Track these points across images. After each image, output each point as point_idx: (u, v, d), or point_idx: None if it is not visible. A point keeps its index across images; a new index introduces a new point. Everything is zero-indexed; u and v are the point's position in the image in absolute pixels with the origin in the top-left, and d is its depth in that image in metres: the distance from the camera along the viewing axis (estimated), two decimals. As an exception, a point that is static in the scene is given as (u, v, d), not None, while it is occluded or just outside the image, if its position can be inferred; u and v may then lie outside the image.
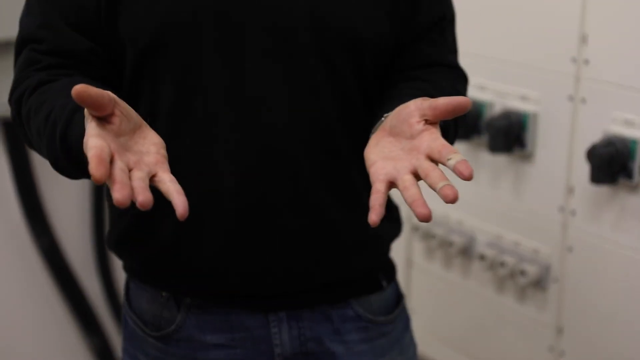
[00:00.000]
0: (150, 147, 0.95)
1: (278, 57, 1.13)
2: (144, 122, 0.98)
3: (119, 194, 0.87)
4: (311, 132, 1.16)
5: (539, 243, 1.83)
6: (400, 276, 1.92)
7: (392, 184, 0.97)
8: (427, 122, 1.00)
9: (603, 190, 1.68)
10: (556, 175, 1.77)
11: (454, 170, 0.92)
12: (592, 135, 1.66)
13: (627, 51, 1.61)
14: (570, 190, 1.75)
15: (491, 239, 1.93)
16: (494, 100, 1.85)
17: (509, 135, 1.79)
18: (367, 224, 1.23)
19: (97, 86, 0.92)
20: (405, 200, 0.94)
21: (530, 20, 1.78)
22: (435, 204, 1.95)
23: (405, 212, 1.33)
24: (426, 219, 0.91)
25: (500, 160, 1.88)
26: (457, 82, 1.25)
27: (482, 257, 1.93)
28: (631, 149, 1.59)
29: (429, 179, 0.94)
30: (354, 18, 1.15)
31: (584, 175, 1.68)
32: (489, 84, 1.85)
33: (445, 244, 2.01)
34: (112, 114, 0.93)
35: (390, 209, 1.30)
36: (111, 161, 0.89)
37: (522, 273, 1.84)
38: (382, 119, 1.07)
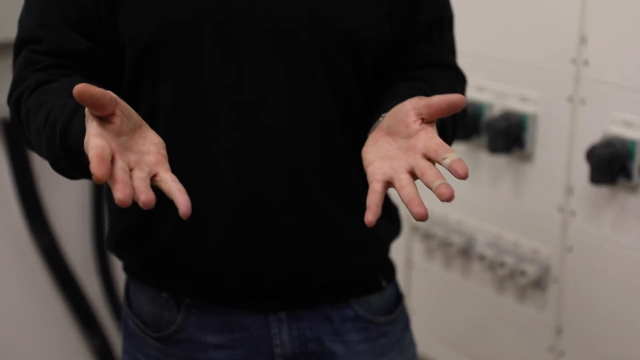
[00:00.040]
0: (150, 147, 0.95)
1: (278, 57, 1.13)
2: (144, 122, 0.98)
3: (120, 194, 0.87)
4: (311, 132, 1.16)
5: (538, 243, 1.83)
6: (400, 276, 1.92)
7: (389, 184, 0.98)
8: (424, 121, 1.00)
9: (602, 190, 1.68)
10: (556, 176, 1.77)
11: (449, 169, 0.92)
12: (592, 136, 1.66)
13: (626, 52, 1.61)
14: (569, 191, 1.75)
15: (491, 239, 1.93)
16: (494, 101, 1.85)
17: (509, 135, 1.79)
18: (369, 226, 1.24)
19: (97, 86, 0.92)
20: (402, 200, 0.94)
21: (530, 20, 1.78)
22: (435, 204, 1.95)
23: (404, 212, 1.33)
24: (422, 218, 0.91)
25: (500, 160, 1.88)
26: (455, 82, 1.25)
27: (481, 257, 1.93)
28: (630, 149, 1.59)
29: (425, 178, 0.94)
30: (354, 18, 1.15)
31: (584, 175, 1.68)
32: (489, 84, 1.85)
33: (445, 244, 2.01)
34: (112, 114, 0.93)
35: (390, 209, 1.30)
36: (112, 161, 0.89)
37: (522, 273, 1.84)
38: (380, 118, 1.07)
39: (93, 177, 0.86)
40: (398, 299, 1.33)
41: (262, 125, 1.14)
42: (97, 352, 2.29)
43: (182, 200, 0.89)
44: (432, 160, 0.96)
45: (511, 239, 1.89)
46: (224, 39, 1.11)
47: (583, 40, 1.67)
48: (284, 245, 1.19)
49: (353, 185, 1.20)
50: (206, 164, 1.15)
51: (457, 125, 1.21)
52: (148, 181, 0.91)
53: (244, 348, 1.24)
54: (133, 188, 0.88)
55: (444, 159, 0.94)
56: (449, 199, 0.90)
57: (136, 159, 0.93)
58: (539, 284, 1.84)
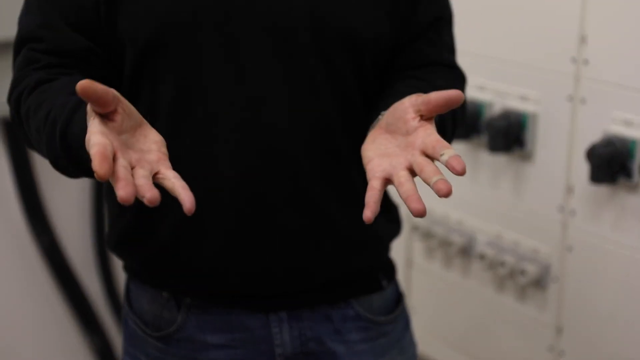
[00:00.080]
0: (151, 145, 0.95)
1: (278, 57, 1.13)
2: (145, 121, 0.98)
3: (123, 192, 0.87)
4: (311, 132, 1.16)
5: (538, 243, 1.83)
6: (400, 276, 1.92)
7: (388, 181, 0.98)
8: (423, 118, 1.00)
9: (603, 190, 1.68)
10: (556, 175, 1.77)
11: (447, 165, 0.92)
12: (592, 135, 1.66)
13: (626, 51, 1.61)
14: (569, 190, 1.75)
15: (491, 238, 1.93)
16: (494, 100, 1.85)
17: (509, 135, 1.79)
18: (367, 224, 1.24)
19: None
20: (400, 196, 0.94)
21: (530, 20, 1.78)
22: (435, 204, 1.94)
23: (404, 211, 1.33)
24: (420, 214, 0.91)
25: (500, 160, 1.88)
26: (455, 81, 1.25)
27: (482, 257, 1.93)
28: (630, 148, 1.59)
29: (423, 174, 0.94)
30: (354, 18, 1.15)
31: (584, 175, 1.68)
32: (489, 83, 1.85)
33: (445, 244, 2.01)
34: (114, 111, 0.93)
35: (390, 208, 1.30)
36: (113, 159, 0.89)
37: (522, 273, 1.84)
38: (379, 116, 1.07)
39: (95, 174, 0.86)
40: (398, 298, 1.34)
41: (262, 125, 1.14)
42: (98, 352, 2.29)
43: (186, 196, 0.89)
44: (430, 157, 0.96)
45: (511, 239, 1.89)
46: (224, 39, 1.11)
47: (583, 39, 1.67)
48: (284, 245, 1.19)
49: (353, 184, 1.20)
50: (206, 163, 1.15)
51: (457, 123, 1.21)
52: (150, 179, 0.91)
53: (244, 348, 1.24)
54: (135, 186, 0.88)
55: (441, 155, 0.94)
56: (446, 194, 0.90)
57: (137, 157, 0.93)
58: (539, 283, 1.84)
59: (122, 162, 0.89)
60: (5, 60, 1.33)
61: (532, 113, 1.78)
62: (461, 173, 0.91)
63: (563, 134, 1.74)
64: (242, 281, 1.21)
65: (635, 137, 1.59)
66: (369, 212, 0.94)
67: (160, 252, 1.21)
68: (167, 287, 1.24)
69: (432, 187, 0.92)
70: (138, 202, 1.19)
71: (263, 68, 1.13)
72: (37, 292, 2.21)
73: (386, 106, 1.07)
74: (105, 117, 0.93)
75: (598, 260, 1.73)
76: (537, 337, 1.88)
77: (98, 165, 0.86)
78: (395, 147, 1.01)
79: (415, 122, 1.00)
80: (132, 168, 0.91)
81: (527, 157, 1.82)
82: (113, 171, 0.88)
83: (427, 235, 2.05)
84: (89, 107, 0.93)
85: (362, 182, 1.06)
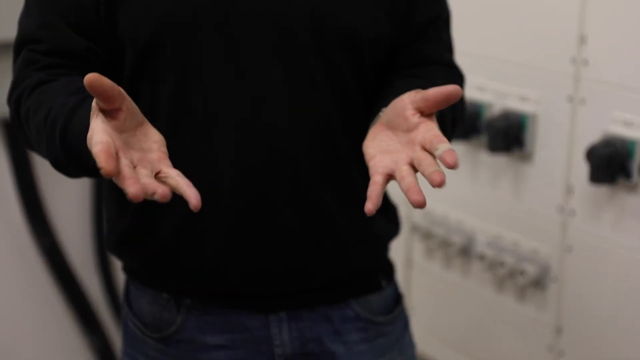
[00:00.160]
0: (152, 145, 0.95)
1: (278, 57, 1.13)
2: (146, 120, 0.98)
3: (133, 189, 0.87)
4: (311, 132, 1.16)
5: (538, 243, 1.83)
6: (400, 276, 1.92)
7: (390, 177, 0.99)
8: (423, 114, 1.01)
9: (602, 190, 1.68)
10: (555, 175, 1.77)
11: (440, 158, 0.93)
12: (592, 136, 1.66)
13: (626, 51, 1.62)
14: (569, 190, 1.75)
15: (491, 238, 1.93)
16: (494, 101, 1.85)
17: (509, 135, 1.80)
18: (367, 224, 1.24)
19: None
20: (402, 189, 0.95)
21: (530, 20, 1.78)
22: (436, 204, 1.94)
23: (404, 212, 1.34)
24: (420, 205, 0.92)
25: (500, 160, 1.88)
26: (454, 80, 1.25)
27: (481, 257, 1.93)
28: (630, 149, 1.59)
29: (421, 167, 0.95)
30: (353, 18, 1.15)
31: (583, 175, 1.68)
32: (489, 84, 1.85)
33: (445, 244, 2.01)
34: (118, 109, 0.93)
35: (389, 208, 1.30)
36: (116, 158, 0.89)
37: (522, 273, 1.84)
38: (380, 113, 1.08)
39: (102, 171, 0.86)
40: (397, 298, 1.34)
41: (262, 125, 1.14)
42: (98, 352, 2.29)
43: (191, 193, 0.90)
44: (429, 152, 0.97)
45: (511, 239, 1.89)
46: (224, 39, 1.12)
47: (583, 40, 1.67)
48: (284, 245, 1.19)
49: (353, 184, 1.20)
50: (206, 163, 1.15)
51: (457, 119, 1.21)
52: (153, 178, 0.91)
53: (244, 348, 1.24)
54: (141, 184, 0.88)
55: (436, 149, 0.95)
56: (439, 184, 0.91)
57: (139, 157, 0.93)
58: (539, 283, 1.84)
59: (125, 162, 0.90)
60: (5, 61, 1.33)
61: (532, 113, 1.78)
62: (453, 166, 0.92)
63: (563, 134, 1.74)
64: (242, 281, 1.21)
65: (634, 137, 1.59)
66: (371, 204, 0.94)
67: (161, 252, 1.21)
68: (167, 287, 1.24)
69: (427, 178, 0.93)
70: (138, 202, 1.19)
71: (263, 68, 1.13)
72: (37, 292, 2.21)
73: (387, 103, 1.07)
74: (109, 114, 0.93)
75: (598, 261, 1.73)
76: (537, 337, 1.88)
77: (104, 162, 0.86)
78: (397, 144, 1.02)
79: (415, 118, 1.01)
80: (134, 167, 0.91)
81: (526, 157, 1.82)
82: (118, 170, 0.88)
83: (427, 235, 2.05)
84: (93, 103, 0.93)
85: (362, 182, 1.06)
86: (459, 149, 1.93)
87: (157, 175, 0.92)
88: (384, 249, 1.31)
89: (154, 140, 0.96)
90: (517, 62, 1.81)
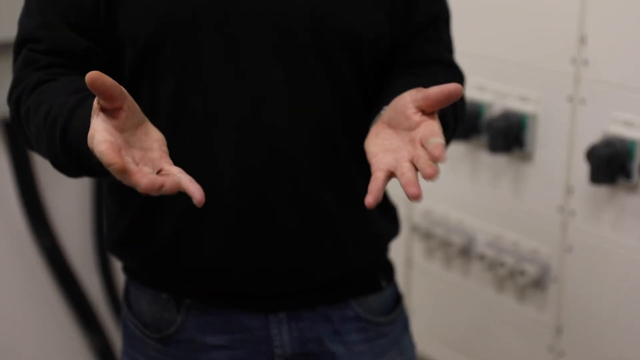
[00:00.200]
0: (152, 144, 0.95)
1: (278, 57, 1.13)
2: (147, 119, 0.98)
3: (144, 180, 0.87)
4: (311, 132, 1.16)
5: (538, 243, 1.83)
6: (400, 276, 1.92)
7: (391, 174, 0.99)
8: (425, 113, 1.01)
9: (602, 190, 1.68)
10: (556, 176, 1.77)
11: (429, 152, 0.94)
12: (592, 136, 1.66)
13: (626, 51, 1.62)
14: (569, 191, 1.75)
15: (491, 239, 1.93)
16: (494, 101, 1.85)
17: (509, 135, 1.80)
18: (367, 224, 1.24)
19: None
20: (401, 184, 0.95)
21: (530, 20, 1.78)
22: (436, 204, 1.95)
23: (404, 212, 1.34)
24: (415, 197, 0.93)
25: (500, 160, 1.88)
26: (454, 79, 1.25)
27: (481, 257, 1.93)
28: (630, 149, 1.59)
29: (419, 164, 0.96)
30: (353, 18, 1.15)
31: (583, 175, 1.68)
32: (489, 84, 1.85)
33: (445, 244, 2.01)
34: (119, 108, 0.93)
35: (389, 208, 1.30)
36: None
37: (522, 273, 1.84)
38: (381, 111, 1.08)
39: (113, 167, 0.86)
40: (397, 299, 1.34)
41: (262, 125, 1.14)
42: (98, 352, 2.29)
43: (194, 189, 0.90)
44: (425, 148, 0.98)
45: (511, 239, 1.89)
46: (224, 39, 1.12)
47: (583, 40, 1.67)
48: (284, 244, 1.19)
49: (353, 184, 1.20)
50: (206, 163, 1.15)
51: (458, 118, 1.21)
52: (156, 175, 0.91)
53: (244, 348, 1.24)
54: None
55: (429, 143, 0.95)
56: (431, 176, 0.92)
57: (140, 155, 0.93)
58: (539, 283, 1.84)
59: (128, 159, 0.90)
60: (5, 61, 1.33)
61: (532, 113, 1.78)
62: (438, 159, 0.93)
63: (563, 134, 1.74)
64: (242, 281, 1.21)
65: (634, 137, 1.59)
66: (371, 197, 0.95)
67: (161, 252, 1.21)
68: (167, 287, 1.24)
69: (421, 173, 0.94)
70: (138, 202, 1.19)
71: (263, 68, 1.13)
72: (38, 292, 2.21)
73: (387, 102, 1.08)
74: (110, 114, 0.93)
75: (598, 261, 1.73)
76: (537, 338, 1.88)
77: (115, 158, 0.86)
78: (399, 142, 1.02)
79: (417, 117, 1.01)
80: (136, 166, 0.91)
81: (527, 157, 1.82)
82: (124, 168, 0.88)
83: (427, 235, 2.05)
84: (95, 102, 0.93)
85: (362, 182, 1.06)
86: (459, 149, 1.93)
87: (158, 173, 0.93)
88: (384, 249, 1.31)
89: (154, 140, 0.96)
90: (517, 62, 1.81)
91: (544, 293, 1.85)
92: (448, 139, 1.17)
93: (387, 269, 1.33)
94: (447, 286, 2.08)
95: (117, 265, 2.27)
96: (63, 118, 1.00)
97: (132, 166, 0.89)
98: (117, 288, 2.32)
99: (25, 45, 1.14)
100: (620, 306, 1.70)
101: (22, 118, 1.10)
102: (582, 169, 1.68)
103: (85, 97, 1.02)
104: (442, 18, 1.25)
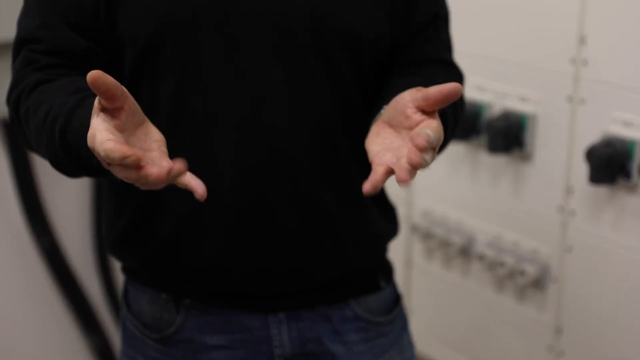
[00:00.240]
0: (152, 144, 0.95)
1: (278, 57, 1.13)
2: (147, 119, 0.98)
3: (154, 169, 0.88)
4: (311, 132, 1.16)
5: (538, 243, 1.83)
6: (400, 276, 1.92)
7: (391, 171, 0.98)
8: (425, 112, 1.01)
9: (602, 190, 1.68)
10: (555, 176, 1.77)
11: (413, 142, 0.94)
12: (591, 136, 1.66)
13: (626, 52, 1.62)
14: (569, 191, 1.75)
15: (491, 239, 1.93)
16: (493, 101, 1.85)
17: (508, 135, 1.80)
18: (367, 224, 1.24)
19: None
20: (395, 170, 0.95)
21: (530, 20, 1.78)
22: (436, 204, 1.95)
23: (404, 212, 1.34)
24: (403, 181, 0.93)
25: (500, 160, 1.88)
26: (454, 79, 1.25)
27: (481, 257, 1.93)
28: (630, 149, 1.59)
29: (398, 163, 0.96)
30: (354, 18, 1.15)
31: (583, 175, 1.68)
32: (489, 84, 1.85)
33: (445, 244, 2.01)
34: (120, 108, 0.93)
35: (388, 208, 1.30)
36: None
37: (522, 273, 1.84)
38: (381, 110, 1.08)
39: (128, 160, 0.86)
40: (396, 299, 1.34)
41: (262, 125, 1.14)
42: (98, 352, 2.29)
43: (196, 184, 0.92)
44: None
45: (511, 239, 1.89)
46: (224, 39, 1.12)
47: (582, 40, 1.68)
48: (284, 244, 1.19)
49: (353, 184, 1.20)
50: (206, 163, 1.15)
51: (458, 118, 1.21)
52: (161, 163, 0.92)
53: (244, 348, 1.24)
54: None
55: (417, 134, 0.96)
56: (416, 165, 0.93)
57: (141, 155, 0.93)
58: (539, 283, 1.84)
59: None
60: (5, 61, 1.33)
61: (532, 114, 1.78)
62: (420, 147, 0.93)
63: (562, 134, 1.74)
64: (241, 281, 1.21)
65: (634, 137, 1.59)
66: (369, 185, 0.95)
67: (160, 252, 1.21)
68: (167, 287, 1.24)
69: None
70: (137, 201, 1.19)
71: (263, 68, 1.13)
72: (37, 292, 2.21)
73: (388, 101, 1.08)
74: (110, 113, 0.93)
75: (598, 261, 1.73)
76: (537, 338, 1.88)
77: (127, 151, 0.87)
78: (400, 141, 1.02)
79: (417, 116, 1.01)
80: None
81: (526, 157, 1.82)
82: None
83: (427, 235, 2.05)
84: (95, 102, 0.93)
85: (362, 182, 1.06)
86: (458, 149, 1.93)
87: None
88: (383, 249, 1.31)
89: (154, 140, 0.96)
90: (517, 62, 1.81)
91: (543, 293, 1.85)
92: (447, 139, 1.17)
93: (387, 269, 1.33)
94: (447, 286, 2.08)
95: (117, 266, 2.26)
96: (63, 118, 1.00)
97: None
98: (116, 288, 2.32)
99: (24, 45, 1.14)
100: (620, 306, 1.70)
101: (21, 118, 1.10)
102: (582, 169, 1.68)
103: (85, 97, 1.02)
104: (441, 17, 1.25)
